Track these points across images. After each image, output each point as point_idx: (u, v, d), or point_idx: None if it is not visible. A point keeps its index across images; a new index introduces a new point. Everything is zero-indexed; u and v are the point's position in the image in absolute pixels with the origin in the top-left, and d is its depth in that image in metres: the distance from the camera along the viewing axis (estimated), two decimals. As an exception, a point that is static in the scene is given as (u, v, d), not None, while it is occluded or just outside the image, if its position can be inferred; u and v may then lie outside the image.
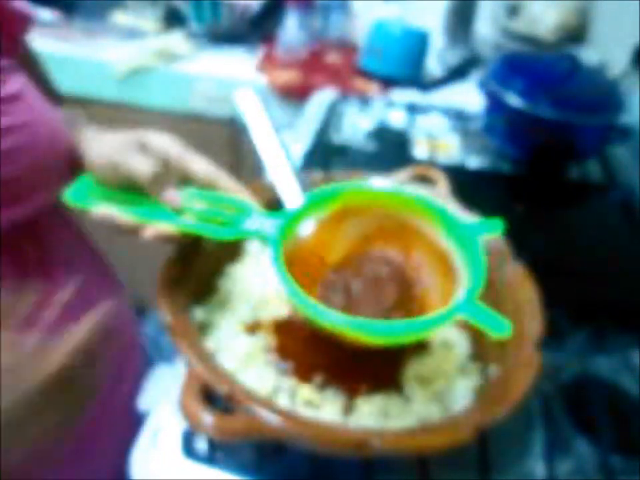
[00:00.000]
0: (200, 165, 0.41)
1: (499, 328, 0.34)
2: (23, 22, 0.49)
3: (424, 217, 0.44)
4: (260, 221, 0.41)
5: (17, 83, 0.43)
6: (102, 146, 0.43)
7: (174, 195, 0.39)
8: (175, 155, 0.41)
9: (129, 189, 0.42)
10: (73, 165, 0.45)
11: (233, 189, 0.41)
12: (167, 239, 0.40)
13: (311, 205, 0.44)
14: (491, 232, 0.41)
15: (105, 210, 0.40)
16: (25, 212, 0.45)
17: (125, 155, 0.40)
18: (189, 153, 0.41)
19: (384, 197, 0.45)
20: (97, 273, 0.59)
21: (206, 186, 0.41)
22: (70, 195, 0.42)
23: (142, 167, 0.39)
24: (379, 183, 0.52)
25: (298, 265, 0.40)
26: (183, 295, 0.43)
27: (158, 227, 0.39)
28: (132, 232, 0.40)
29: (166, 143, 0.41)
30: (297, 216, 0.43)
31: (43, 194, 0.45)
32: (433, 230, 0.43)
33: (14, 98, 0.42)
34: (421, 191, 0.52)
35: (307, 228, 0.44)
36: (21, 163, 0.41)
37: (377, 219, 0.46)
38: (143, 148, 0.41)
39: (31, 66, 0.52)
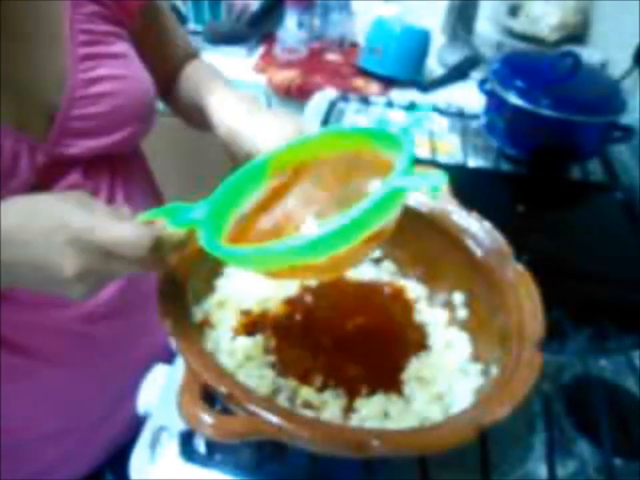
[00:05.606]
0: None
1: (436, 183, 0.33)
2: None
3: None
4: (198, 211, 0.38)
5: (123, 47, 0.54)
6: (271, 130, 0.48)
7: None
8: None
9: None
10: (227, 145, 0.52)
11: None
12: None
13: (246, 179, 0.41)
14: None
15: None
16: (104, 144, 0.52)
17: None
18: None
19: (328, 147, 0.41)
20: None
21: None
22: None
23: None
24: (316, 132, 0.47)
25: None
26: (183, 295, 0.43)
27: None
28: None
29: None
30: (230, 196, 0.40)
31: (120, 132, 0.53)
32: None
33: (115, 56, 0.53)
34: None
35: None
36: (107, 104, 0.51)
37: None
38: None
39: (153, 20, 0.61)
